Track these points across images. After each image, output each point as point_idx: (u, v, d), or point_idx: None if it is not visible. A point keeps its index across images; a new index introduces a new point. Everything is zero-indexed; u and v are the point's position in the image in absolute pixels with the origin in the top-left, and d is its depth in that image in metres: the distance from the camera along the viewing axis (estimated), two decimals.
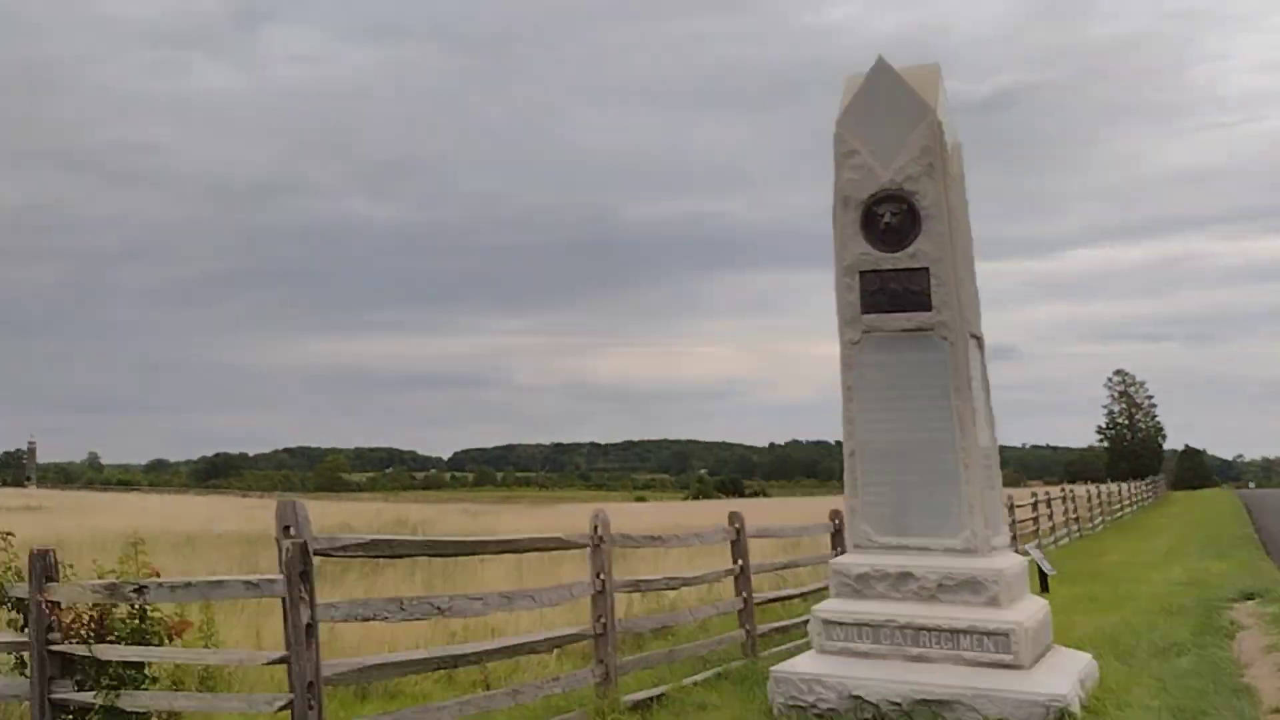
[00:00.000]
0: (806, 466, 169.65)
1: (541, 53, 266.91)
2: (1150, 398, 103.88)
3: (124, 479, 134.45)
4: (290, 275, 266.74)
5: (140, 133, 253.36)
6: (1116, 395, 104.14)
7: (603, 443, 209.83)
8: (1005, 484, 9.26)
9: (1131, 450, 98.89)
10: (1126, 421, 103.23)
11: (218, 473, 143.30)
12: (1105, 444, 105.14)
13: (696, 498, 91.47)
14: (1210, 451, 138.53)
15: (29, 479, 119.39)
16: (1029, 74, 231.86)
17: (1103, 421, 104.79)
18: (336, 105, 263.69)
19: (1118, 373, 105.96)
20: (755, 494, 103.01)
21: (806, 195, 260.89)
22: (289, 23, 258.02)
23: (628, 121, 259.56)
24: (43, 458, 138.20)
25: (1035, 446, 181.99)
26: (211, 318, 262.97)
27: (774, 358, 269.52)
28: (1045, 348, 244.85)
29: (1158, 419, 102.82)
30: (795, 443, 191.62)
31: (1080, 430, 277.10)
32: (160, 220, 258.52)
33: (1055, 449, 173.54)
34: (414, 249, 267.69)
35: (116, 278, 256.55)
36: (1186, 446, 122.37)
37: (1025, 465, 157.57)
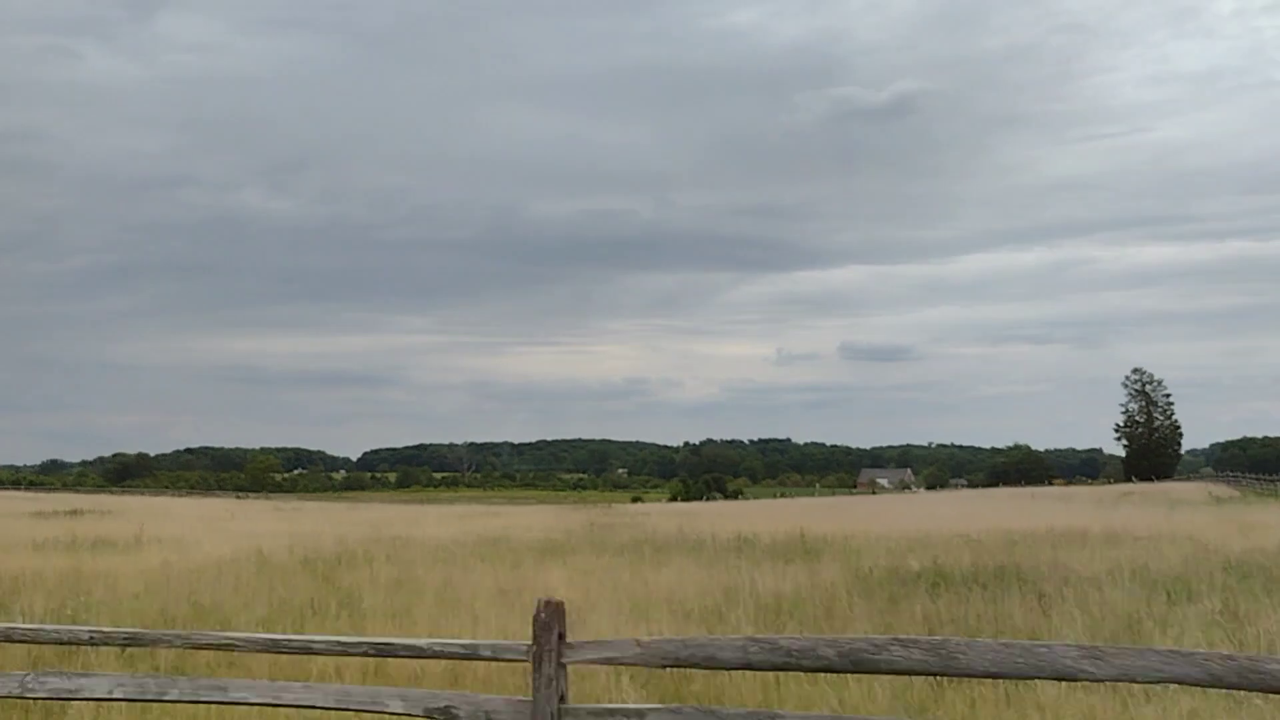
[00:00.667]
0: (727, 466, 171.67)
1: (447, 47, 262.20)
2: (1168, 396, 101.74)
3: (16, 480, 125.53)
4: (181, 270, 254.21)
5: (23, 118, 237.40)
6: (1134, 393, 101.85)
7: (517, 442, 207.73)
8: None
9: (1149, 448, 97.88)
10: (1144, 420, 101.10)
11: (129, 474, 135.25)
12: (1123, 443, 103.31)
13: (684, 498, 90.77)
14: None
15: None
16: (923, 82, 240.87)
17: (1120, 420, 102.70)
18: (233, 96, 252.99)
19: (1135, 371, 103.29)
20: (736, 494, 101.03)
21: (711, 196, 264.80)
22: (186, 11, 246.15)
23: (533, 119, 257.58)
24: None
25: (942, 445, 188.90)
26: (97, 313, 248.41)
27: (678, 357, 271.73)
28: (935, 348, 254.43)
29: (1175, 418, 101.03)
30: (710, 442, 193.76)
31: (985, 431, 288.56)
32: (43, 211, 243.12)
33: (964, 448, 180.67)
34: (311, 244, 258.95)
35: None
36: None
37: (944, 464, 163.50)
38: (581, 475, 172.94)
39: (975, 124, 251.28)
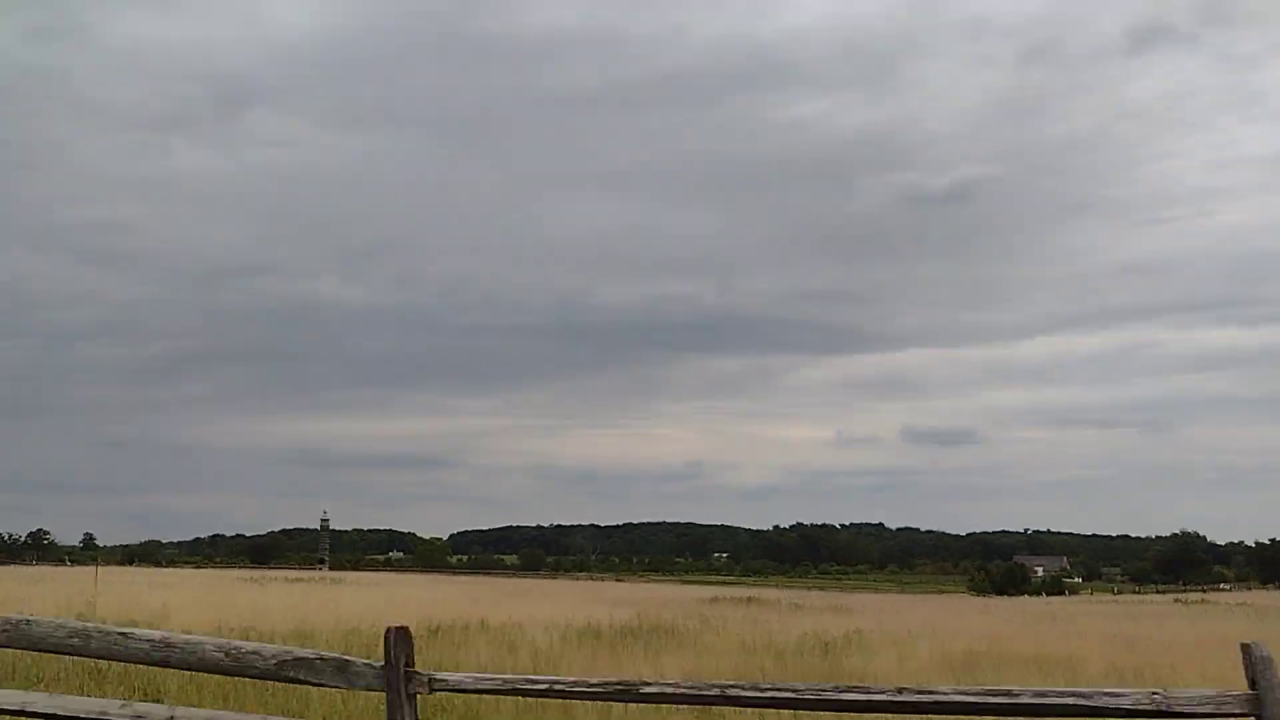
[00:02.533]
0: (834, 551, 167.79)
1: (523, 140, 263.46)
2: None
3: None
4: (252, 356, 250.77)
5: (112, 212, 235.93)
6: None
7: (602, 524, 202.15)
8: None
9: None
10: None
11: (262, 555, 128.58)
12: None
13: (979, 593, 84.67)
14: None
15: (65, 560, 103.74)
16: (987, 169, 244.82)
17: None
18: (313, 189, 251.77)
19: None
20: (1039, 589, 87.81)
21: (771, 280, 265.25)
22: (272, 109, 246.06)
23: (602, 208, 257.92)
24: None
25: (1054, 532, 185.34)
26: (177, 399, 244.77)
27: (737, 439, 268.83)
28: (999, 432, 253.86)
29: None
30: (800, 525, 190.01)
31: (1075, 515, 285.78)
32: (126, 299, 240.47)
33: (1090, 536, 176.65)
34: (381, 330, 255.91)
35: (80, 356, 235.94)
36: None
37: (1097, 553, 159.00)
38: (671, 558, 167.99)
39: (1038, 210, 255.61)
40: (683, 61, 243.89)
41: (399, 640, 4.63)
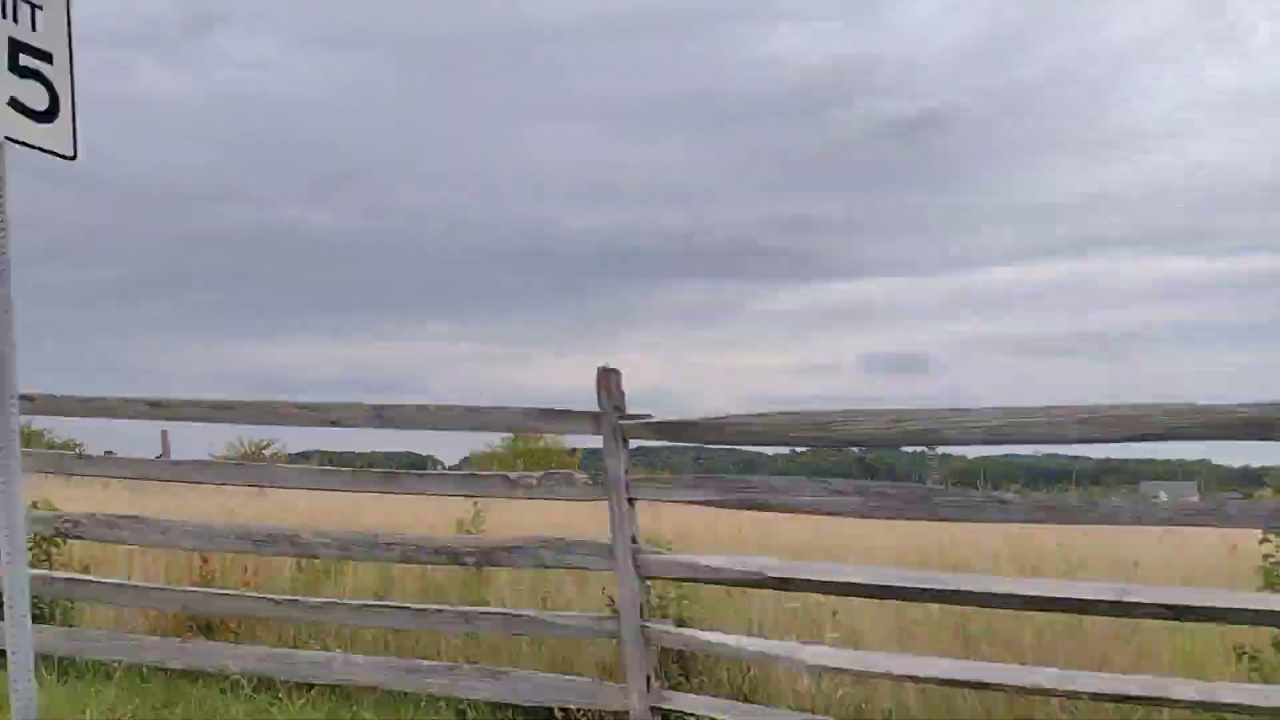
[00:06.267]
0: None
1: (493, 68, 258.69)
2: None
3: None
4: (216, 281, 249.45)
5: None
6: None
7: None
8: None
9: None
10: None
11: None
12: None
13: None
14: None
15: None
16: (959, 101, 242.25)
17: None
18: (281, 113, 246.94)
19: None
20: None
21: (740, 210, 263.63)
22: (241, 29, 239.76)
23: (573, 138, 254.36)
24: None
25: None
26: (135, 320, 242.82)
27: (702, 369, 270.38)
28: (960, 361, 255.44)
29: None
30: None
31: None
32: (88, 222, 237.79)
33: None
34: (347, 257, 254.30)
35: (39, 278, 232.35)
36: None
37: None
38: None
39: (1009, 144, 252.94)
40: None
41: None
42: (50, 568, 5.65)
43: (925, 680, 3.97)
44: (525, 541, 4.61)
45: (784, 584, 4.20)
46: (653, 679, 4.33)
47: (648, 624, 4.31)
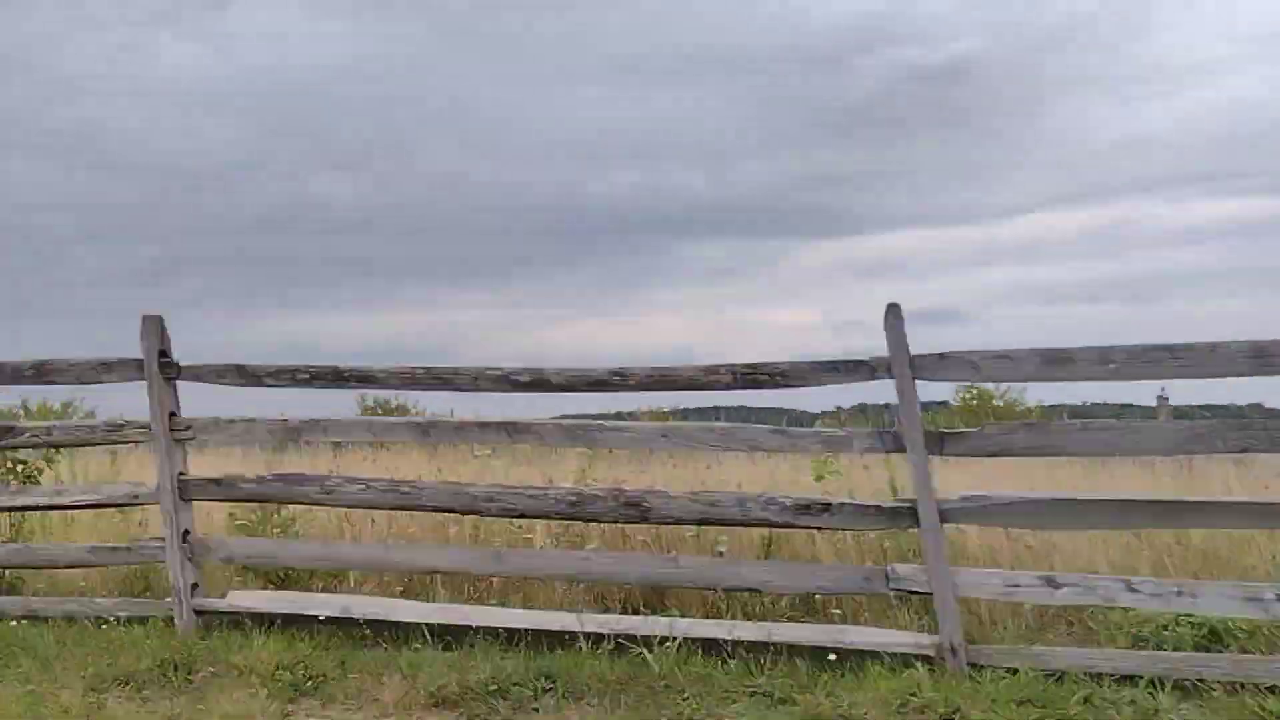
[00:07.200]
0: None
1: (513, 30, 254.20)
2: None
3: None
4: (242, 256, 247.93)
5: (100, 113, 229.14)
6: None
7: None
8: None
9: None
10: None
11: None
12: None
13: None
14: None
15: None
16: (983, 44, 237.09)
17: None
18: (301, 85, 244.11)
19: None
20: None
21: (763, 165, 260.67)
22: (261, 1, 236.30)
23: (594, 99, 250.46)
24: None
25: None
26: (160, 299, 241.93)
27: (728, 325, 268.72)
28: (986, 311, 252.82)
29: None
30: None
31: None
32: (115, 203, 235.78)
33: None
34: (371, 228, 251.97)
35: (71, 260, 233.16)
36: None
37: None
38: None
39: (1034, 87, 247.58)
40: None
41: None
42: None
43: None
44: None
45: None
46: None
47: None
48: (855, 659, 4.33)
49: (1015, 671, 4.08)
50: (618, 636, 4.58)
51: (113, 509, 6.35)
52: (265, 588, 5.75)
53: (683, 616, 4.86)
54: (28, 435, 5.74)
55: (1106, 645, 4.44)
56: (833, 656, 4.34)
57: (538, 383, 4.93)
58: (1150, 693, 3.85)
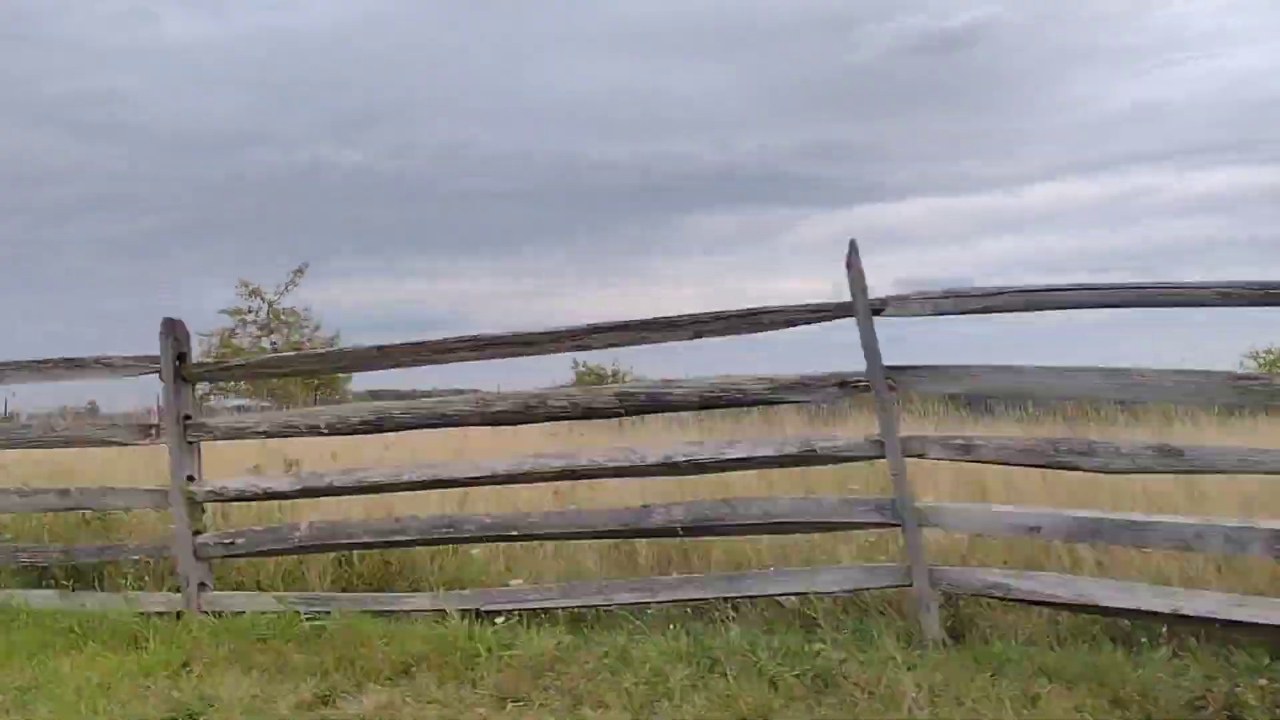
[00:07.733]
0: None
1: (520, 2, 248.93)
2: None
3: None
4: (247, 225, 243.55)
5: (103, 82, 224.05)
6: None
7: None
8: None
9: None
10: None
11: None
12: None
13: None
14: None
15: None
16: (993, 12, 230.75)
17: None
18: (305, 53, 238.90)
19: None
20: None
21: (770, 136, 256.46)
22: None
23: (597, 69, 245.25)
24: None
25: None
26: (167, 270, 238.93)
27: (735, 295, 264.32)
28: (995, 281, 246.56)
29: None
30: None
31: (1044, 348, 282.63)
32: (118, 172, 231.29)
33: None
34: (376, 197, 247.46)
35: (74, 230, 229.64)
36: None
37: None
38: None
39: (1044, 57, 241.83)
40: None
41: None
42: None
43: None
44: None
45: None
46: None
47: None
48: None
49: None
50: None
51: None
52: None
53: None
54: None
55: None
56: None
57: None
58: None
